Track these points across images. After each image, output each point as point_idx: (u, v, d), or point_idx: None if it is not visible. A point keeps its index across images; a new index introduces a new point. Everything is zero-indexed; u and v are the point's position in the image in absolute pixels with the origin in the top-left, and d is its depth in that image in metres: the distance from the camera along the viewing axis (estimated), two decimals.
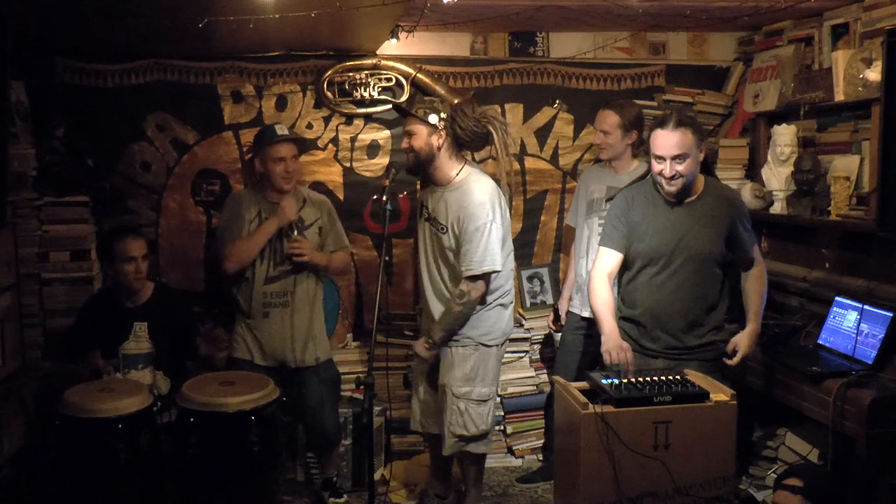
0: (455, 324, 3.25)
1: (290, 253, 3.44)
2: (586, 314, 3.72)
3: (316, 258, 3.50)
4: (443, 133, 3.24)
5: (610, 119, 3.68)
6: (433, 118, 3.22)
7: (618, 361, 2.88)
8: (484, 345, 3.31)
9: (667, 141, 2.92)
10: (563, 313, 3.94)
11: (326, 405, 3.67)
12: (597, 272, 3.12)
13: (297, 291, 3.52)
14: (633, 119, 3.71)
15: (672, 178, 2.94)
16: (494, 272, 3.24)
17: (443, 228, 3.28)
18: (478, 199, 3.20)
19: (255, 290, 3.49)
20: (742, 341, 3.04)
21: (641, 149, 3.80)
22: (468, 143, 3.31)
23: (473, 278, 3.20)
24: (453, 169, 3.29)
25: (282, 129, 3.54)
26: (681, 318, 3.04)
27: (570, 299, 3.91)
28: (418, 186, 3.16)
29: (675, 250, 3.01)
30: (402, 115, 3.25)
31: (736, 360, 3.03)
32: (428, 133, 3.23)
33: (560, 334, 4.00)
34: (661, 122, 2.98)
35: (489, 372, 3.33)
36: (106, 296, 3.56)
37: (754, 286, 3.13)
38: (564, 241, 4.26)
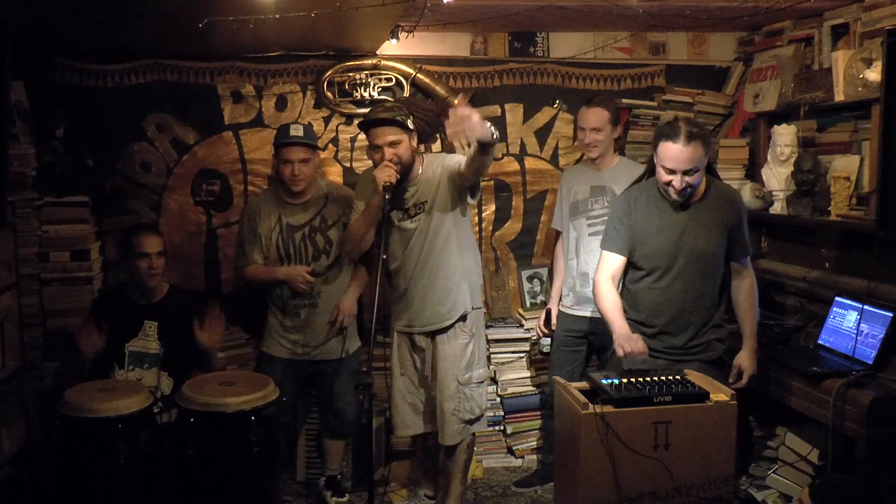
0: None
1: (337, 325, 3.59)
2: (578, 312, 3.76)
3: (353, 301, 3.62)
4: (415, 132, 3.23)
5: (601, 115, 3.68)
6: (410, 123, 3.19)
7: (631, 350, 2.90)
8: (476, 310, 3.39)
9: (679, 155, 2.91)
10: (554, 316, 3.91)
11: (352, 393, 3.66)
12: (601, 276, 3.13)
13: (325, 290, 3.57)
14: (617, 113, 3.77)
15: (682, 190, 2.96)
16: None
17: (430, 202, 3.28)
18: (453, 154, 3.42)
19: (286, 291, 3.55)
20: (745, 362, 3.08)
21: (619, 143, 3.87)
22: (428, 133, 3.36)
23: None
24: (418, 162, 3.32)
25: (296, 130, 3.53)
26: (685, 319, 3.07)
27: (561, 300, 3.89)
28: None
29: (678, 252, 3.03)
30: (393, 126, 3.15)
31: (743, 382, 3.06)
32: (409, 137, 3.20)
33: (548, 339, 3.98)
34: (670, 134, 2.94)
35: (482, 353, 3.45)
36: (120, 291, 3.55)
37: (747, 301, 3.13)
38: (549, 245, 4.23)
